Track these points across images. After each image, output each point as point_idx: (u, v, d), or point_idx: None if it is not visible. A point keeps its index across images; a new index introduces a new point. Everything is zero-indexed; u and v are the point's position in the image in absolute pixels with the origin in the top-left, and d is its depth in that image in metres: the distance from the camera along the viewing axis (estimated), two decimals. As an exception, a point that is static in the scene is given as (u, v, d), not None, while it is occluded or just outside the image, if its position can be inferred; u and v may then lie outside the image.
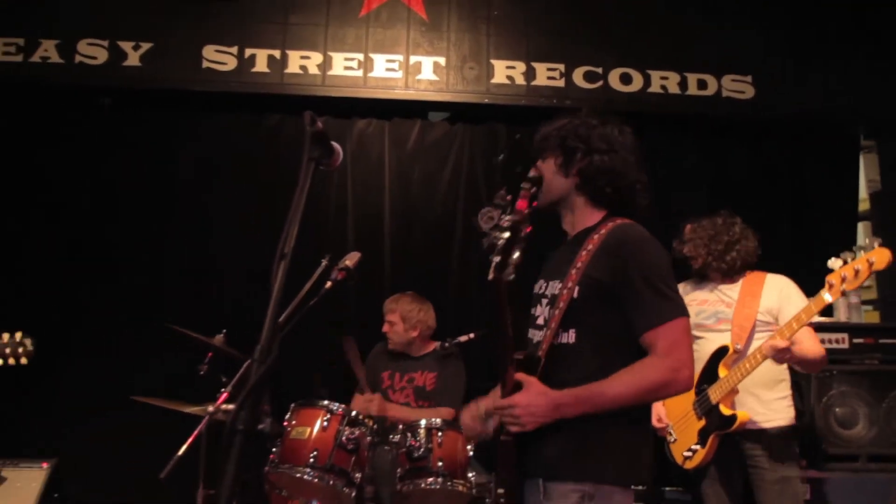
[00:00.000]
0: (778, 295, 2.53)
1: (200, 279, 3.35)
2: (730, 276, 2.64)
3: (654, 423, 2.63)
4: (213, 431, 2.13)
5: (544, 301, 1.63)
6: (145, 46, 3.42)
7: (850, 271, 2.17)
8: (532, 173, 1.65)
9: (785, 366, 2.57)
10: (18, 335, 2.41)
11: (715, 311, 2.63)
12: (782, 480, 2.45)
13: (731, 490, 2.54)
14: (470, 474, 2.33)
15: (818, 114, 3.67)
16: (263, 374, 0.92)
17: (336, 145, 1.30)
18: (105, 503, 3.16)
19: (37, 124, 3.44)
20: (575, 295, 1.50)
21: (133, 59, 3.41)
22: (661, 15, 3.67)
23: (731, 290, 2.63)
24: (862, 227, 3.84)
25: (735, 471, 2.54)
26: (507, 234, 1.33)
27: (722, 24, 3.69)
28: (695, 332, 2.72)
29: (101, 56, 3.39)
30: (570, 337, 1.51)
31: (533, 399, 1.41)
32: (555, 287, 1.60)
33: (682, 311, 1.47)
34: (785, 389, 2.57)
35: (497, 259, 1.34)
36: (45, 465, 2.82)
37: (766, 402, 2.50)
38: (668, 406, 2.68)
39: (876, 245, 2.17)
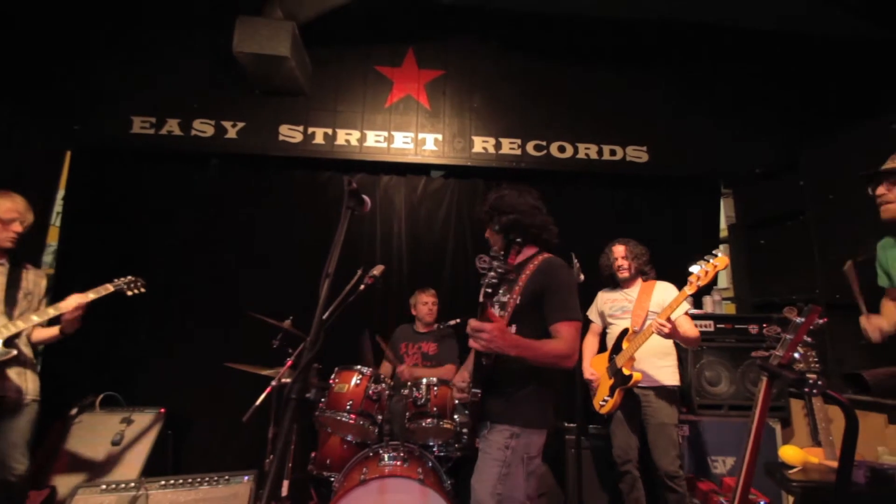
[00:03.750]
0: (663, 294, 2.55)
1: (277, 286, 3.31)
2: (632, 282, 2.67)
3: (587, 376, 2.65)
4: (280, 389, 2.12)
5: (497, 305, 1.69)
6: (240, 125, 3.44)
7: (703, 273, 2.24)
8: (487, 235, 1.83)
9: (671, 343, 2.57)
10: (130, 277, 2.40)
11: (621, 306, 2.66)
12: (661, 425, 2.45)
13: (631, 429, 2.54)
14: (455, 416, 2.31)
15: (692, 170, 3.70)
16: (311, 358, 0.92)
17: (366, 198, 1.31)
18: (205, 440, 3.11)
19: (165, 178, 3.45)
20: (518, 301, 1.60)
21: (231, 133, 3.42)
22: (585, 105, 3.71)
23: (632, 292, 2.65)
24: (722, 248, 3.86)
25: (635, 416, 2.54)
26: (496, 278, 1.36)
27: (627, 112, 3.72)
28: (609, 321, 2.73)
29: (209, 131, 3.41)
30: (513, 329, 1.58)
31: (497, 330, 1.42)
32: (505, 297, 1.66)
33: (577, 316, 1.57)
34: (671, 360, 2.57)
35: (488, 290, 1.37)
36: (162, 411, 2.79)
37: (657, 368, 2.51)
38: (595, 366, 2.68)
39: (719, 254, 2.24)
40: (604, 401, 2.53)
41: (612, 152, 3.64)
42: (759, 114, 3.73)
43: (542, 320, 1.57)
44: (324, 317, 1.04)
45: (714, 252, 2.27)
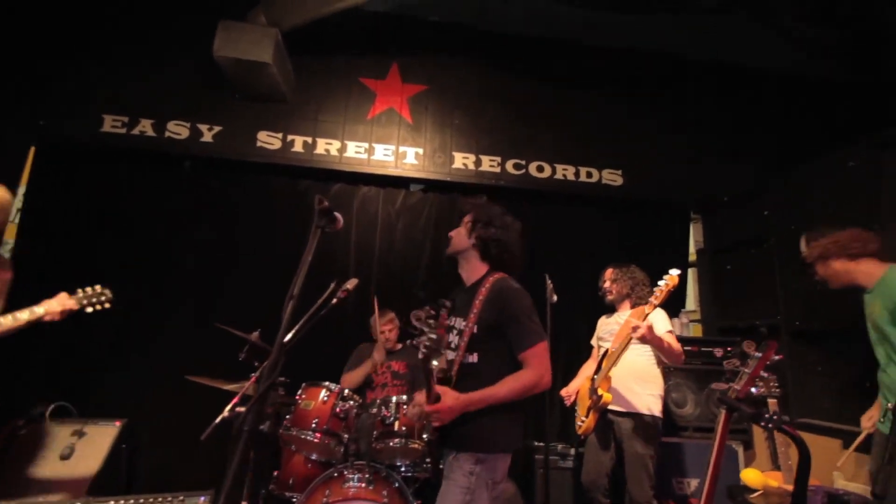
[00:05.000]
0: (651, 317, 2.49)
1: (245, 295, 3.21)
2: (622, 304, 2.64)
3: (561, 392, 2.64)
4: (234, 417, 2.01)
5: (454, 332, 1.65)
6: (217, 128, 3.35)
7: (659, 291, 2.26)
8: (451, 233, 1.78)
9: (657, 370, 2.50)
10: (98, 287, 2.13)
11: (610, 329, 2.62)
12: (636, 455, 2.36)
13: (603, 454, 2.49)
14: (424, 436, 2.26)
15: (663, 195, 3.79)
16: (269, 385, 0.87)
17: (338, 215, 1.27)
18: (162, 455, 2.97)
19: (134, 181, 3.32)
20: (475, 331, 1.55)
21: (207, 137, 3.33)
22: (564, 126, 3.77)
23: (622, 315, 2.60)
24: (691, 272, 3.95)
25: (609, 441, 2.48)
26: (431, 348, 1.35)
27: (603, 136, 3.80)
28: (600, 343, 2.70)
29: (184, 133, 3.31)
30: (474, 358, 1.55)
31: (449, 403, 1.43)
32: (460, 323, 1.62)
33: (542, 337, 1.53)
34: (652, 388, 2.45)
35: (426, 351, 1.35)
36: (117, 423, 2.61)
37: (634, 394, 2.43)
38: (579, 390, 2.63)
39: (673, 274, 2.28)
40: (581, 421, 2.51)
41: (589, 174, 3.71)
42: (731, 143, 3.88)
43: (503, 346, 1.54)
44: (286, 338, 1.00)
45: (669, 271, 2.28)
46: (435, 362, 1.34)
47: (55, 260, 3.11)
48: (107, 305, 2.13)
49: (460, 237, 1.73)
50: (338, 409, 2.21)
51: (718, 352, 3.01)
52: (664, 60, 3.98)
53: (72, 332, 3.03)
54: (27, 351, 3.01)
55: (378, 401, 2.33)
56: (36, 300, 3.04)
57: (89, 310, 2.10)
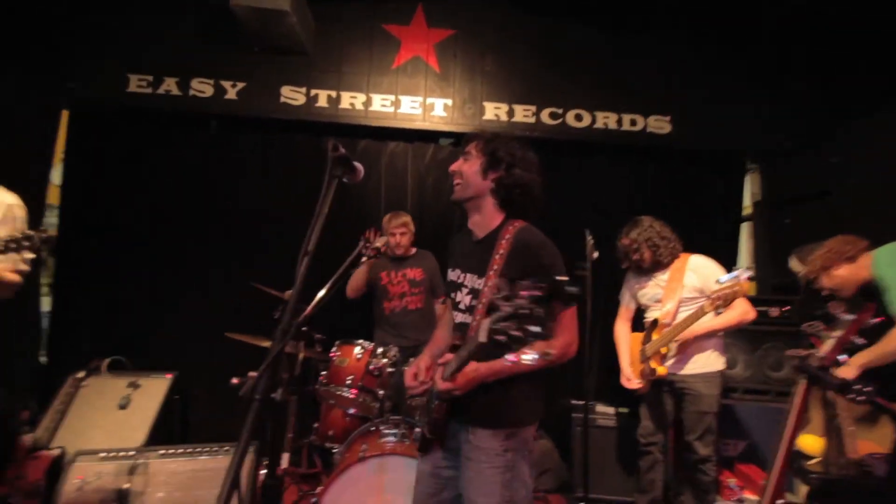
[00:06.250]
0: (697, 274, 2.32)
1: (280, 254, 3.19)
2: (664, 266, 2.41)
3: (625, 383, 2.48)
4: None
5: (464, 290, 1.42)
6: (240, 85, 3.27)
7: (723, 295, 2.09)
8: (453, 167, 1.44)
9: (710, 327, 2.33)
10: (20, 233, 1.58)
11: (653, 294, 2.43)
12: (700, 413, 2.29)
13: (660, 413, 2.42)
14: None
15: (718, 145, 3.46)
16: (280, 350, 0.80)
17: (358, 164, 1.13)
18: (211, 407, 3.09)
19: (163, 141, 3.32)
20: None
21: (231, 94, 3.25)
22: (605, 69, 3.45)
23: (663, 276, 2.40)
24: (745, 227, 3.67)
25: (667, 401, 2.41)
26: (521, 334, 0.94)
27: (649, 76, 3.46)
28: (643, 308, 2.54)
29: (209, 91, 3.24)
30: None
31: (469, 374, 1.25)
32: (473, 280, 1.39)
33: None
34: (712, 343, 2.34)
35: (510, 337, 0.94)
36: (168, 376, 2.75)
37: (695, 355, 2.32)
38: (630, 347, 2.52)
39: (743, 277, 2.07)
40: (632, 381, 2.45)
41: (633, 122, 3.41)
42: (794, 85, 3.44)
43: None
44: (319, 296, 0.92)
45: (746, 268, 2.07)
46: (511, 356, 1.05)
47: (98, 220, 3.21)
48: (29, 255, 1.64)
49: (473, 178, 1.40)
50: (372, 367, 2.21)
51: (774, 311, 2.80)
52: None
53: (119, 291, 3.19)
54: (83, 309, 3.19)
55: (412, 360, 2.31)
56: (84, 265, 3.21)
57: (23, 266, 1.70)
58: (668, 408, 2.41)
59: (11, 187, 1.86)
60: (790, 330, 2.76)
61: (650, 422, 2.43)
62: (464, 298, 1.41)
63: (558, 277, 1.07)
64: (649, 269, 2.41)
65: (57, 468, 2.09)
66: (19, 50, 3.06)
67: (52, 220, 3.30)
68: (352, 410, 2.36)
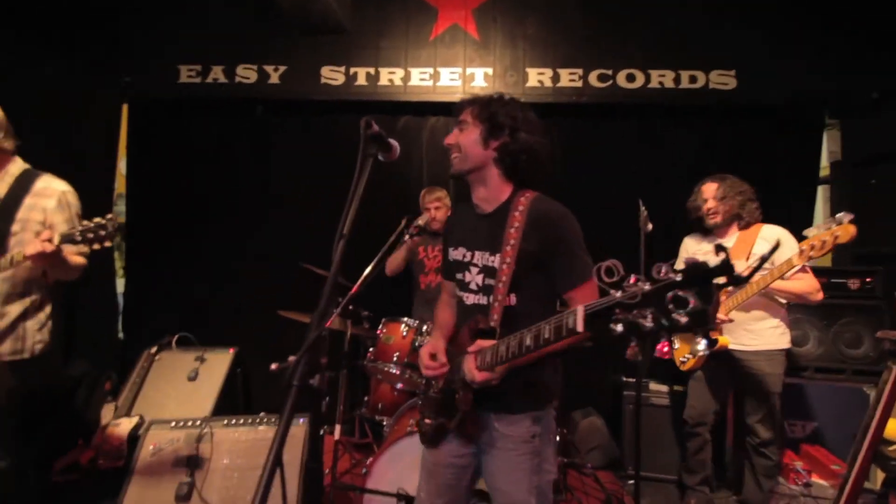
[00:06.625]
0: (770, 244, 2.13)
1: (325, 234, 3.28)
2: (740, 228, 2.22)
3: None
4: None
5: (474, 269, 1.32)
6: (282, 68, 3.31)
7: (818, 242, 1.81)
8: (448, 140, 1.33)
9: (775, 301, 2.17)
10: (96, 220, 1.57)
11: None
12: (764, 394, 2.15)
13: (713, 392, 2.28)
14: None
15: (790, 99, 3.10)
16: (317, 336, 0.79)
17: (393, 142, 1.08)
18: (271, 379, 3.26)
19: (211, 126, 3.44)
20: (515, 267, 1.22)
21: (274, 78, 3.31)
22: (658, 23, 3.16)
23: (727, 242, 2.22)
24: (821, 190, 3.31)
25: (723, 380, 2.26)
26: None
27: (709, 27, 3.14)
28: None
29: (253, 76, 3.31)
30: (512, 300, 1.24)
31: (480, 376, 1.19)
32: (485, 258, 1.29)
33: (592, 271, 1.18)
34: (774, 321, 2.17)
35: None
36: (231, 351, 2.91)
37: (758, 330, 2.16)
38: None
39: (845, 220, 1.76)
40: (684, 358, 2.28)
41: (693, 79, 3.12)
42: (877, 28, 2.99)
43: (544, 283, 1.23)
44: (366, 274, 0.91)
45: (840, 217, 1.78)
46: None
47: (161, 210, 3.42)
48: (107, 244, 1.57)
49: (473, 148, 1.28)
50: (417, 344, 2.23)
51: (854, 283, 2.53)
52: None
53: (183, 271, 3.41)
54: (149, 288, 3.44)
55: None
56: (152, 249, 3.44)
57: (85, 248, 1.62)
58: (725, 385, 2.27)
59: (81, 178, 1.98)
60: (870, 304, 2.52)
61: (698, 403, 2.30)
62: (475, 278, 1.31)
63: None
64: (720, 226, 2.22)
65: (135, 435, 2.30)
66: (80, 46, 3.24)
67: (121, 208, 3.56)
68: (399, 385, 2.42)
